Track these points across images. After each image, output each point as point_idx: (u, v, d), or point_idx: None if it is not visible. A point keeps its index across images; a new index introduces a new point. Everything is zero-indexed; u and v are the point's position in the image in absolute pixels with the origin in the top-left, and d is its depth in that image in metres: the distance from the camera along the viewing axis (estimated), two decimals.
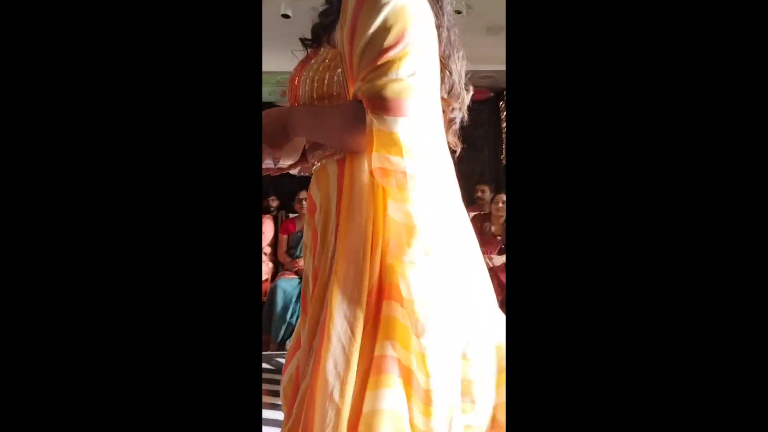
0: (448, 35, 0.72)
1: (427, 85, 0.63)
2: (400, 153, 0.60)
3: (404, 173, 0.60)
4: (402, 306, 0.63)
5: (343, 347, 0.63)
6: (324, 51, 0.80)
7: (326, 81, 0.74)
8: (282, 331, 2.95)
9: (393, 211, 0.65)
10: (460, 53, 0.76)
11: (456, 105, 0.75)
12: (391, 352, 0.64)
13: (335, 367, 0.63)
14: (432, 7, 0.70)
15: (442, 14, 0.72)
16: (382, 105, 0.60)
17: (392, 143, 0.60)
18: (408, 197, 0.62)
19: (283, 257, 3.05)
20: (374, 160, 0.62)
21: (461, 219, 0.74)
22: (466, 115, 0.80)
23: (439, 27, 0.71)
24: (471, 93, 0.79)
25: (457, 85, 0.73)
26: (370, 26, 0.62)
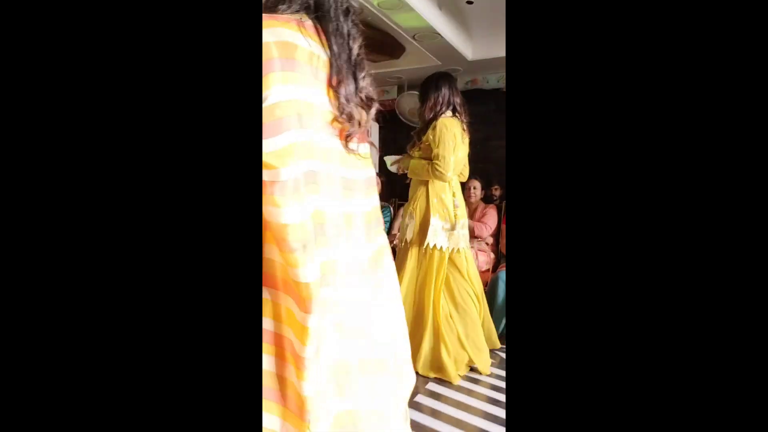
0: (339, 66, 0.84)
1: (288, 107, 0.74)
2: (266, 167, 0.73)
3: (265, 182, 0.73)
4: (275, 289, 0.79)
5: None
6: None
7: None
8: (502, 323, 2.87)
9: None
10: (359, 79, 0.89)
11: (348, 124, 0.87)
12: (268, 326, 0.81)
13: None
14: (321, 43, 0.82)
15: (331, 47, 0.83)
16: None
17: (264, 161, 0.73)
18: (270, 201, 0.74)
19: (504, 248, 2.95)
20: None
21: (349, 216, 0.87)
22: (369, 131, 0.92)
23: (330, 56, 0.83)
24: (373, 111, 0.93)
25: (345, 106, 0.84)
26: None
